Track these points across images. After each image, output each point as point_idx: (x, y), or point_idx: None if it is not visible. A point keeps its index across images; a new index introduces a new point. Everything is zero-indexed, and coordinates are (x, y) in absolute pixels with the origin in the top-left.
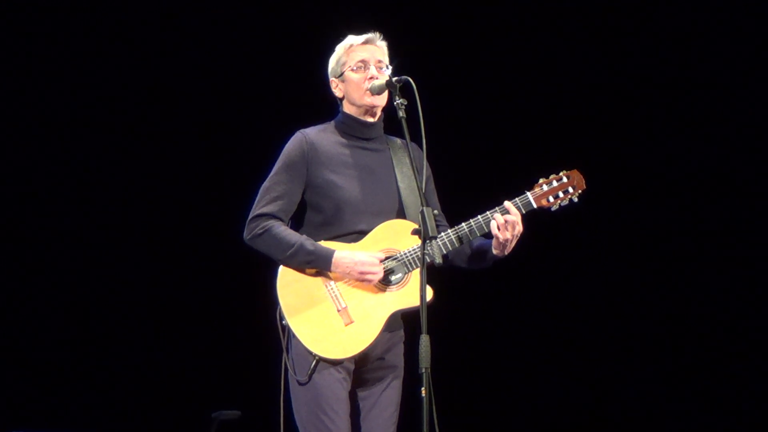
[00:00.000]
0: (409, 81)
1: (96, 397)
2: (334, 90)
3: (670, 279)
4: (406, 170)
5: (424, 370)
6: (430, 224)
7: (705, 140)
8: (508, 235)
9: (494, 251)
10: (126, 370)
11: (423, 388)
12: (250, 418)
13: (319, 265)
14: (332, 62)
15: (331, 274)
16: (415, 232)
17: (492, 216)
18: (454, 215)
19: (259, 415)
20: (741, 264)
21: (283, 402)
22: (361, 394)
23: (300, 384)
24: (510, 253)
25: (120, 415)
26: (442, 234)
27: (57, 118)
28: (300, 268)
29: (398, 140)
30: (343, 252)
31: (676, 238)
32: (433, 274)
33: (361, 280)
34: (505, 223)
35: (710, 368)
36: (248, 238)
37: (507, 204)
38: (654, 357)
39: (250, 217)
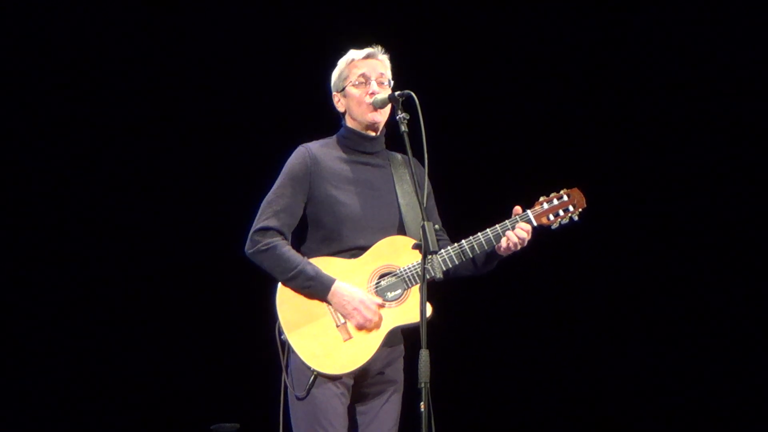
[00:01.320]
0: (411, 95)
1: (95, 410)
2: (336, 104)
3: (666, 298)
4: (407, 186)
5: (423, 385)
6: (431, 239)
7: (709, 159)
8: (518, 248)
9: (499, 252)
10: (125, 383)
11: (422, 403)
12: (248, 431)
13: (317, 292)
14: (334, 76)
15: None
16: (416, 246)
17: (503, 232)
18: (454, 229)
19: (258, 429)
20: (740, 275)
21: (283, 417)
22: (360, 408)
23: (298, 399)
24: (514, 253)
25: (119, 429)
26: (442, 251)
27: (61, 131)
28: None
29: (399, 156)
30: (343, 284)
31: (673, 256)
32: (432, 290)
33: (352, 316)
34: (514, 239)
35: (708, 372)
36: (250, 252)
37: (519, 224)
38: (654, 374)
39: (252, 230)
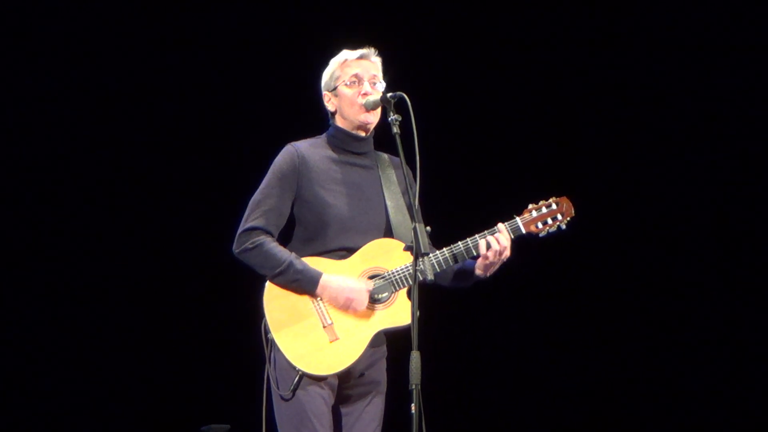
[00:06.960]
0: (403, 97)
1: (86, 411)
2: (326, 104)
3: (658, 302)
4: (394, 188)
5: (414, 387)
6: (423, 241)
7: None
8: (495, 258)
9: (477, 271)
10: (115, 386)
11: (413, 405)
12: None
13: (305, 286)
14: (326, 76)
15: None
16: (408, 248)
17: (485, 236)
18: (443, 234)
19: (250, 430)
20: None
21: (265, 415)
22: (343, 410)
23: (283, 399)
24: (491, 276)
25: (110, 430)
26: (437, 252)
27: (52, 130)
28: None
29: (386, 156)
30: (331, 276)
31: (665, 261)
32: (420, 293)
33: (346, 306)
34: (495, 245)
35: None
36: (238, 251)
37: (500, 226)
38: (643, 373)
39: (240, 230)
